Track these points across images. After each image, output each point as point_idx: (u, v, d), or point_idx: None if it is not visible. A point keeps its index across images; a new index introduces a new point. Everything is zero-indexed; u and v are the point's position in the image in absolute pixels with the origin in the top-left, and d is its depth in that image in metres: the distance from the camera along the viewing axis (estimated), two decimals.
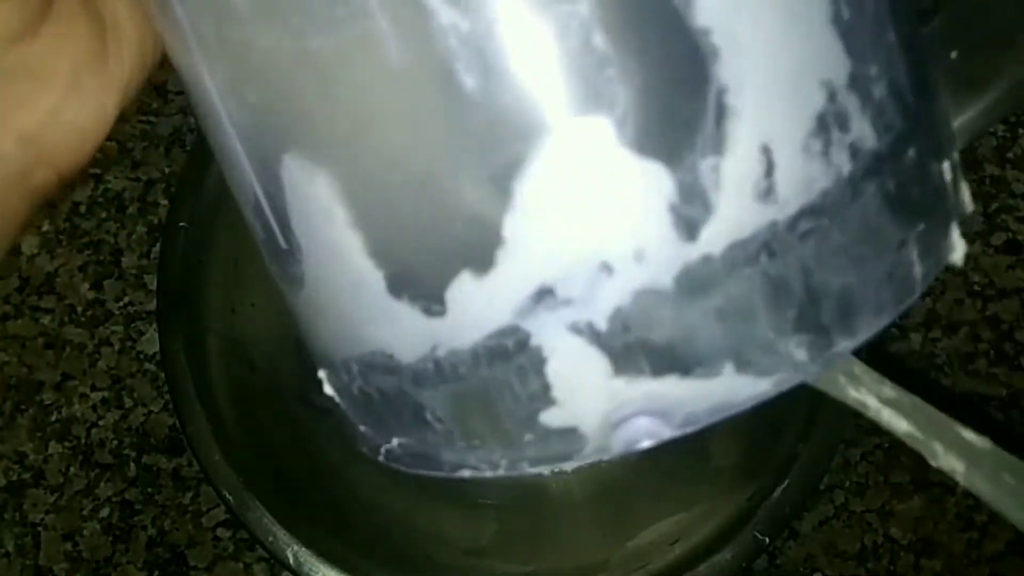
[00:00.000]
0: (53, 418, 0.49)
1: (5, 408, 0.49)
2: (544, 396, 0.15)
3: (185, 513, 0.48)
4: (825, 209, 0.14)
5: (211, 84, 0.16)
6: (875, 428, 0.19)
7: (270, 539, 0.37)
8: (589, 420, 0.15)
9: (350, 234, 0.15)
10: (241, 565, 0.47)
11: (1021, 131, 0.54)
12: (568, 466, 0.15)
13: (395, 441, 0.17)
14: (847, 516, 0.48)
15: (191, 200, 0.40)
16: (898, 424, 0.17)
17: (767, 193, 0.14)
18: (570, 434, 0.15)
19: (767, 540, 0.37)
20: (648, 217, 0.14)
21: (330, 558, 0.37)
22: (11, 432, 0.49)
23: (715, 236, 0.14)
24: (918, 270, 0.15)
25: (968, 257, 0.18)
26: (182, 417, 0.38)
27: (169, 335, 0.39)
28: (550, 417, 0.15)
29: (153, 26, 0.17)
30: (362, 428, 0.18)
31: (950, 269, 0.20)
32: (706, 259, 0.14)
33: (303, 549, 0.37)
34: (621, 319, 0.14)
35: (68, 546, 0.47)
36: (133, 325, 0.50)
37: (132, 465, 0.48)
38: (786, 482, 0.37)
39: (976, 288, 0.51)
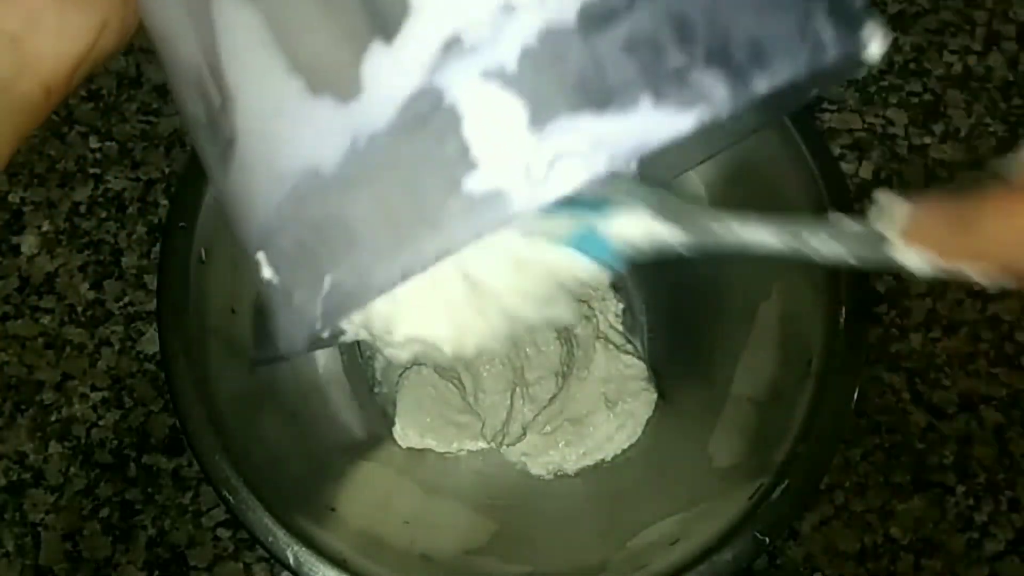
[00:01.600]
0: (53, 418, 0.49)
1: (5, 408, 0.49)
2: (464, 159, 0.15)
3: (185, 513, 0.48)
4: None
5: None
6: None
7: (270, 539, 0.37)
8: (511, 175, 0.15)
9: (273, 54, 0.16)
10: (241, 565, 0.47)
11: (1021, 131, 0.54)
12: (496, 230, 0.15)
13: (327, 282, 0.17)
14: (847, 516, 0.48)
15: (191, 200, 0.40)
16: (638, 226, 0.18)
17: None
18: (495, 198, 0.15)
19: (767, 540, 0.37)
20: None
21: (330, 558, 0.37)
22: (11, 432, 0.49)
23: None
24: (830, 34, 0.15)
25: None
26: (182, 417, 0.38)
27: (169, 335, 0.39)
28: (473, 182, 0.15)
29: None
30: (297, 295, 0.17)
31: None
32: None
33: (303, 549, 0.37)
34: (531, 59, 0.14)
35: (68, 546, 0.47)
36: (133, 325, 0.50)
37: (132, 465, 0.48)
38: (786, 482, 0.37)
39: (976, 288, 0.51)
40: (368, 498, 0.43)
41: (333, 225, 0.16)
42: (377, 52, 0.15)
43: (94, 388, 0.49)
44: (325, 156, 0.16)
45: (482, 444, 0.47)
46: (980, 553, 0.47)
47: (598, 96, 0.14)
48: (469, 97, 0.15)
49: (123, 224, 0.51)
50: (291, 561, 0.36)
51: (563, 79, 0.14)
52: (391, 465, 0.46)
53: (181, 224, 0.40)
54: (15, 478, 0.48)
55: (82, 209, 0.52)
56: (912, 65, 0.56)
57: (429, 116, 0.15)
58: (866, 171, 0.54)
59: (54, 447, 0.48)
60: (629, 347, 0.49)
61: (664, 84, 0.14)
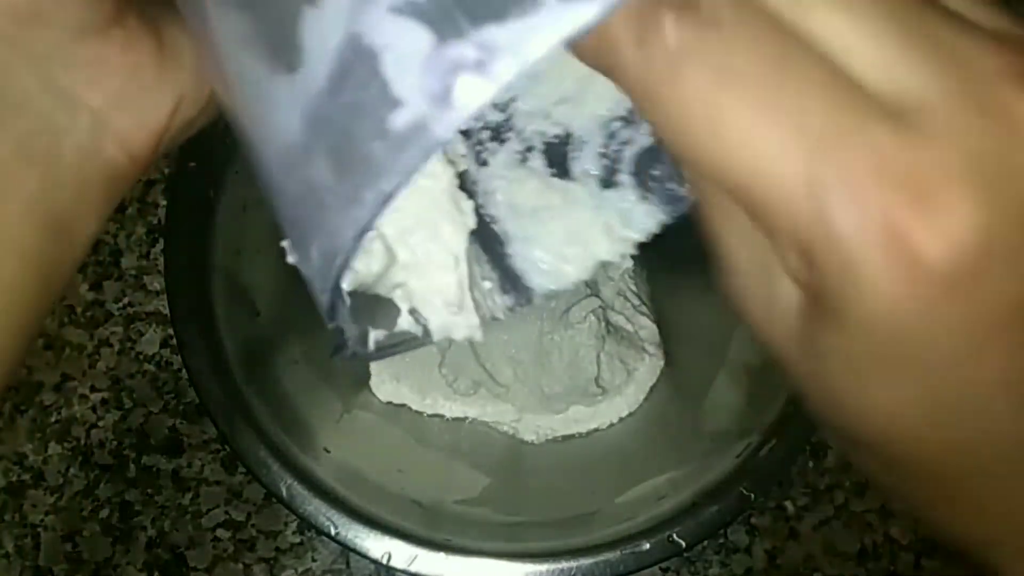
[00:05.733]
0: (53, 419, 0.49)
1: (5, 409, 0.49)
2: (386, 97, 0.15)
3: (185, 514, 0.48)
4: None
5: None
6: None
7: (264, 472, 0.38)
8: (425, 104, 0.15)
9: (249, 45, 0.16)
10: (241, 566, 0.47)
11: None
12: (422, 163, 0.15)
13: (315, 249, 0.17)
14: (847, 516, 0.48)
15: (202, 141, 0.41)
16: None
17: None
18: (418, 128, 0.15)
19: (753, 496, 0.38)
20: None
21: (322, 493, 0.38)
22: (11, 433, 0.49)
23: None
24: None
25: None
26: (184, 350, 0.39)
27: (176, 268, 0.40)
28: (397, 119, 0.15)
29: None
30: (304, 269, 0.18)
31: None
32: None
33: (296, 483, 0.38)
34: None
35: (68, 547, 0.47)
36: (132, 326, 0.50)
37: (132, 466, 0.48)
38: (773, 441, 0.38)
39: None
40: (362, 444, 0.44)
41: (307, 195, 0.17)
42: (308, 16, 0.15)
43: (93, 389, 0.49)
44: (291, 130, 0.16)
45: (461, 407, 0.47)
46: None
47: (499, 4, 0.14)
48: (383, 35, 0.15)
49: (122, 225, 0.51)
50: (284, 494, 0.37)
51: None
52: (386, 415, 0.47)
53: (191, 163, 0.40)
54: (15, 479, 0.48)
55: None
56: None
57: (354, 63, 0.15)
58: None
59: (54, 448, 0.48)
60: (644, 308, 0.49)
61: None
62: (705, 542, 0.43)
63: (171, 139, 0.23)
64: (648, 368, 0.48)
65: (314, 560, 0.48)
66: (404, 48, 0.15)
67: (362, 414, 0.46)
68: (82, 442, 0.49)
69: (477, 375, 0.47)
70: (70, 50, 0.21)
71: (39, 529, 0.47)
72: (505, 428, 0.47)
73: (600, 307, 0.47)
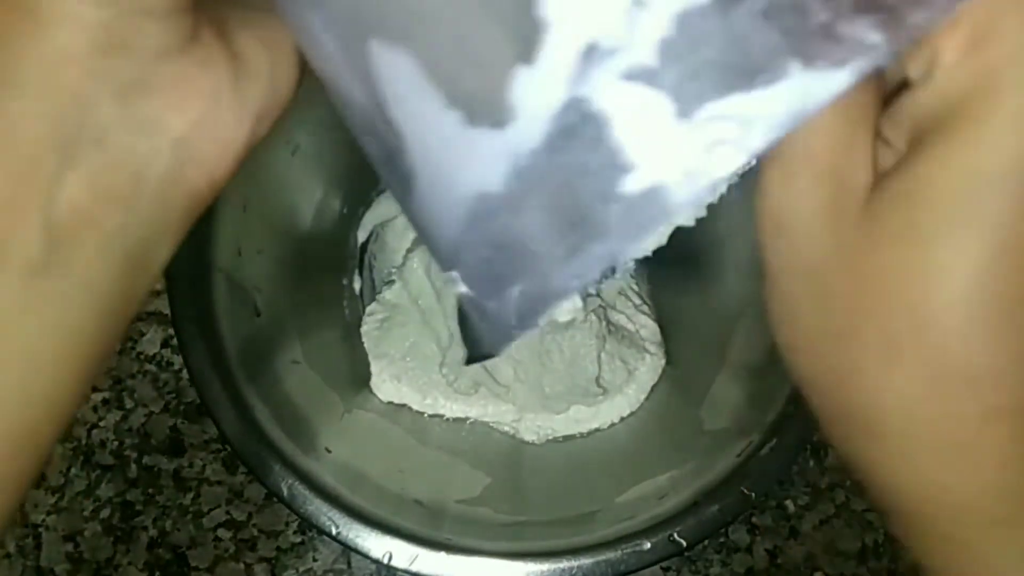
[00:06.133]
0: None
1: None
2: (618, 161, 0.15)
3: (186, 514, 0.48)
4: None
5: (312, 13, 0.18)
6: None
7: (265, 472, 0.38)
8: (667, 169, 0.15)
9: (431, 92, 0.16)
10: (242, 566, 0.47)
11: None
12: (666, 227, 0.16)
13: (516, 292, 0.17)
14: (848, 515, 0.48)
15: None
16: None
17: None
18: (655, 193, 0.15)
19: (754, 495, 0.38)
20: None
21: (323, 493, 0.38)
22: None
23: None
24: None
25: None
26: (185, 350, 0.39)
27: (176, 268, 0.39)
28: (630, 183, 0.15)
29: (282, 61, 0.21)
30: (490, 306, 0.18)
31: None
32: None
33: (297, 483, 0.38)
34: (669, 50, 0.14)
35: (69, 547, 0.47)
36: (133, 326, 0.50)
37: (133, 466, 0.48)
38: (774, 440, 0.38)
39: None
40: (363, 443, 0.44)
41: (510, 241, 0.17)
42: (521, 76, 0.15)
43: (95, 389, 0.49)
44: (491, 180, 0.16)
45: (462, 407, 0.47)
46: None
47: (744, 73, 0.14)
48: (614, 100, 0.15)
49: None
50: (285, 493, 0.37)
51: (706, 63, 0.14)
52: (387, 415, 0.47)
53: None
54: None
55: None
56: None
57: (579, 126, 0.15)
58: None
59: (55, 448, 0.48)
60: (645, 307, 0.49)
61: (812, 44, 0.14)
62: (706, 541, 0.44)
63: (244, 157, 0.22)
64: (649, 367, 0.48)
65: (315, 560, 0.48)
66: (640, 115, 0.14)
67: (363, 414, 0.46)
68: (83, 442, 0.49)
69: (477, 375, 0.47)
70: (151, 75, 0.19)
71: (40, 529, 0.47)
72: (506, 428, 0.47)
73: (601, 306, 0.47)
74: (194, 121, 0.20)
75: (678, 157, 0.14)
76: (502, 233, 0.17)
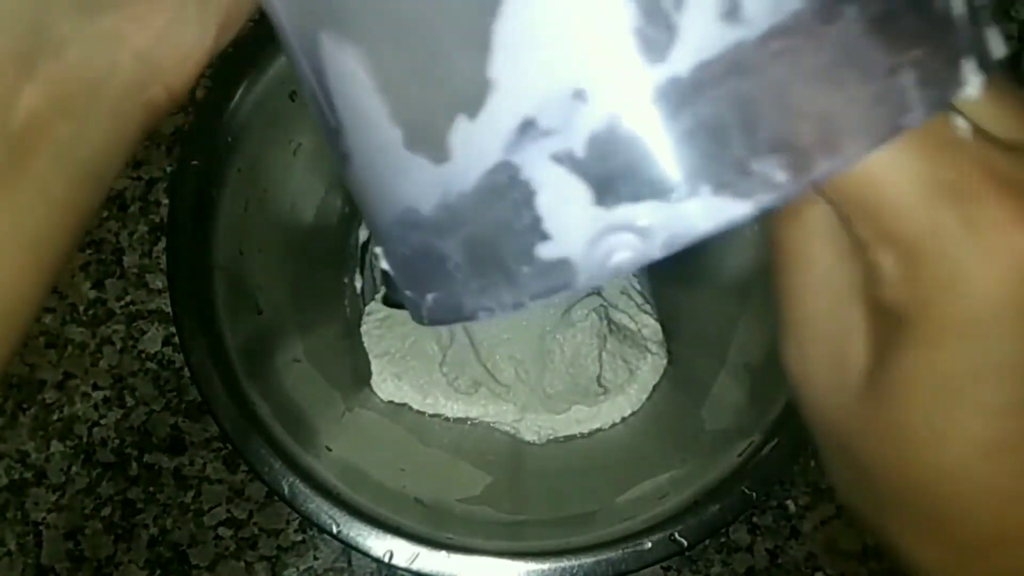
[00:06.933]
0: (55, 417, 0.49)
1: (7, 407, 0.49)
2: (537, 229, 0.16)
3: (187, 512, 0.48)
4: (797, 30, 0.14)
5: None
6: None
7: (266, 470, 0.38)
8: (577, 249, 0.15)
9: (376, 101, 0.17)
10: (243, 564, 0.47)
11: None
12: (563, 296, 0.16)
13: (430, 297, 0.18)
14: (849, 515, 0.48)
15: (205, 139, 0.41)
16: None
17: (732, 12, 0.14)
18: (563, 265, 0.16)
19: (755, 495, 0.38)
20: (614, 42, 0.14)
21: (324, 491, 0.38)
22: (13, 431, 0.49)
23: (681, 57, 0.14)
24: (914, 95, 0.15)
25: None
26: (186, 348, 0.39)
27: (178, 266, 0.40)
28: (544, 250, 0.16)
29: None
30: (407, 294, 0.19)
31: None
32: (674, 81, 0.14)
33: (298, 481, 0.38)
34: (598, 146, 0.15)
35: (70, 545, 0.47)
36: (135, 324, 0.50)
37: (134, 464, 0.48)
38: (775, 440, 0.38)
39: None
40: (364, 442, 0.44)
41: (432, 255, 0.18)
42: (463, 126, 0.16)
43: (96, 387, 0.49)
44: (420, 203, 0.17)
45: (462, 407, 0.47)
46: None
47: (659, 184, 0.15)
48: (541, 176, 0.15)
49: (124, 223, 0.51)
50: (285, 492, 0.38)
51: (628, 167, 0.15)
52: (387, 414, 0.47)
53: (193, 162, 0.40)
54: (17, 477, 0.48)
55: None
56: None
57: (507, 188, 0.16)
58: None
59: (56, 446, 0.48)
60: (647, 307, 0.49)
61: (725, 174, 0.14)
62: (707, 541, 0.43)
63: (201, 70, 0.22)
64: (651, 367, 0.48)
65: (316, 558, 0.48)
66: (561, 196, 0.15)
67: (364, 412, 0.46)
68: (84, 440, 0.49)
69: (478, 374, 0.47)
70: None
71: (41, 527, 0.47)
72: (507, 428, 0.47)
73: (602, 305, 0.47)
74: (156, 35, 0.20)
75: (587, 244, 0.15)
76: (424, 246, 0.17)
